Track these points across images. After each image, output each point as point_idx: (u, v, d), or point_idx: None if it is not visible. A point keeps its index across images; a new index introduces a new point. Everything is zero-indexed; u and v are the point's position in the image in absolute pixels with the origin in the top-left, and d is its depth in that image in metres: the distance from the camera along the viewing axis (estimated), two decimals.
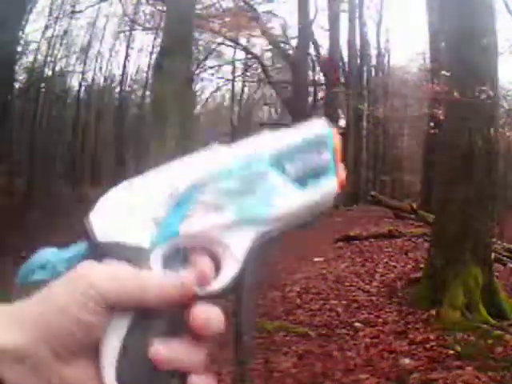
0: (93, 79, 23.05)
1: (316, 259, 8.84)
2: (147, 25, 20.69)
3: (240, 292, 0.46)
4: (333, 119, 20.28)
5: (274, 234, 0.48)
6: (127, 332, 0.41)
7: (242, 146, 0.49)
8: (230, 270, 0.46)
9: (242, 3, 19.15)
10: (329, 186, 0.50)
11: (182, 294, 0.42)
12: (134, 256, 0.42)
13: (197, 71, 22.47)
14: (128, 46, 21.85)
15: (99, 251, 0.42)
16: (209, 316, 0.42)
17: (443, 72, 6.38)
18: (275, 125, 25.86)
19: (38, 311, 0.39)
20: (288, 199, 0.47)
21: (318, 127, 0.51)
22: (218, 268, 0.46)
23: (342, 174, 0.52)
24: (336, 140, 0.52)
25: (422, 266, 7.33)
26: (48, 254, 0.43)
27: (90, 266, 0.41)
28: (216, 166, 0.47)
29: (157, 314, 0.42)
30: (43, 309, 0.39)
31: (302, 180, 0.48)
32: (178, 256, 0.45)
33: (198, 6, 14.96)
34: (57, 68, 20.70)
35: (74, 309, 0.39)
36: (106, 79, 23.94)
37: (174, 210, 0.44)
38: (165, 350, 0.41)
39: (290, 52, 20.46)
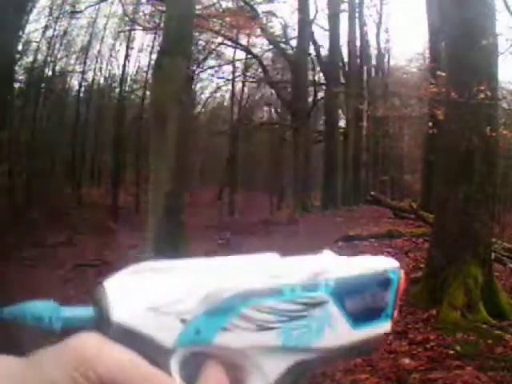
0: (93, 79, 23.06)
1: None
2: (147, 25, 20.70)
3: None
4: (333, 119, 20.29)
5: (312, 365, 0.44)
6: None
7: (304, 263, 0.45)
8: None
9: (242, 3, 19.15)
10: (382, 329, 0.46)
11: None
12: (152, 352, 0.37)
13: (197, 71, 22.47)
14: (128, 46, 21.84)
15: (110, 330, 0.36)
16: None
17: (438, 72, 6.38)
18: (275, 125, 25.87)
19: (31, 374, 0.33)
20: (339, 334, 0.44)
21: (388, 266, 0.47)
22: None
23: (397, 315, 0.48)
24: (401, 282, 0.48)
25: (421, 265, 7.33)
26: (45, 308, 0.37)
27: (94, 341, 0.35)
28: (274, 280, 0.42)
29: None
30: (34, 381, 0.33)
31: (358, 318, 0.45)
32: (195, 359, 0.40)
33: (198, 6, 14.96)
34: (57, 68, 20.72)
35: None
36: (106, 79, 23.96)
37: (208, 316, 0.39)
38: None
39: (290, 52, 20.46)
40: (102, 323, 0.37)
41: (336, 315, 0.44)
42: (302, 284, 0.43)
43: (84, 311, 0.38)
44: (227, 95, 28.31)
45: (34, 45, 18.85)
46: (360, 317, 0.45)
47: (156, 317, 0.37)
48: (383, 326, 0.46)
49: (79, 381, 0.32)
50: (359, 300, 0.45)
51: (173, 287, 0.39)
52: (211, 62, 23.91)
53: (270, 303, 0.41)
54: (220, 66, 24.27)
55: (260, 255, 0.45)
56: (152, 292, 0.38)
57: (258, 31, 19.04)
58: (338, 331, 0.44)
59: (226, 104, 29.67)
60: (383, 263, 0.48)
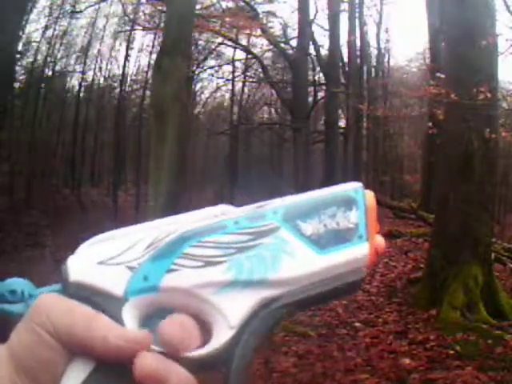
0: (93, 79, 23.05)
1: None
2: (147, 25, 20.69)
3: (230, 363, 0.38)
4: (333, 119, 20.29)
5: (285, 304, 0.41)
6: (85, 379, 0.36)
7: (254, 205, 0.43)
8: (219, 337, 0.39)
9: (242, 3, 19.14)
10: (356, 252, 0.43)
11: (132, 351, 0.36)
12: (104, 302, 0.38)
13: (197, 71, 22.46)
14: (128, 46, 21.83)
15: (70, 291, 0.38)
16: (157, 368, 0.35)
17: (438, 74, 6.39)
18: (275, 125, 25.87)
19: (10, 351, 0.37)
20: (300, 262, 0.41)
21: (346, 187, 0.45)
22: (208, 333, 0.39)
23: (379, 240, 0.45)
24: (369, 202, 0.45)
25: (421, 265, 7.33)
26: (20, 283, 0.40)
27: (50, 297, 0.38)
28: (217, 218, 0.41)
29: (119, 367, 0.36)
30: (14, 348, 0.37)
31: (322, 242, 0.42)
32: (163, 315, 0.39)
33: (198, 6, 14.96)
34: (57, 68, 20.71)
35: (32, 342, 0.36)
36: (106, 79, 23.94)
37: (154, 260, 0.39)
38: None
39: (290, 52, 20.45)
40: (65, 289, 0.39)
41: (292, 242, 0.41)
42: (246, 216, 0.41)
43: (55, 287, 0.40)
44: (227, 95, 28.29)
45: (34, 45, 18.86)
46: (324, 240, 0.42)
47: (106, 268, 0.39)
48: (358, 248, 0.43)
49: (37, 329, 0.36)
50: (317, 223, 0.42)
51: (122, 243, 0.40)
52: (211, 62, 23.90)
53: (213, 238, 0.39)
54: (220, 66, 24.26)
55: (212, 207, 0.44)
56: (103, 250, 0.40)
57: (258, 31, 19.03)
58: (300, 258, 0.41)
59: (225, 104, 29.67)
60: (342, 186, 0.45)
